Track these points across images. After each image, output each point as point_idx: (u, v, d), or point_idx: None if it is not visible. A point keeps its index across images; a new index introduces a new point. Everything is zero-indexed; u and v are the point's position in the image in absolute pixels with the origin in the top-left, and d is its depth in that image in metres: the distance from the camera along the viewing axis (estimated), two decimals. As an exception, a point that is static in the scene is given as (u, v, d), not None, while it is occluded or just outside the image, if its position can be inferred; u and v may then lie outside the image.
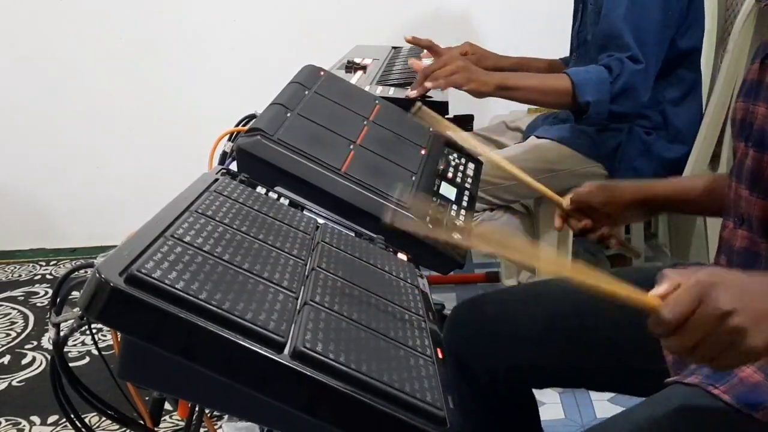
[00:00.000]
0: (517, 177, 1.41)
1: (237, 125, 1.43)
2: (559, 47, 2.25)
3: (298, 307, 0.80)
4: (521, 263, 0.82)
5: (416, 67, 1.77)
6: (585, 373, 1.23)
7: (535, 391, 1.34)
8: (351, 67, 2.01)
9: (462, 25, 2.99)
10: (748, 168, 1.05)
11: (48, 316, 0.94)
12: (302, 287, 0.84)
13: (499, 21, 2.98)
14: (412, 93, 1.70)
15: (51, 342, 0.91)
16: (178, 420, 1.94)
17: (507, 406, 1.29)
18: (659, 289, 0.79)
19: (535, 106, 2.24)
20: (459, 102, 1.77)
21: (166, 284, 0.70)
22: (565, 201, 1.31)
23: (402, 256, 1.08)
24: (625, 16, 1.82)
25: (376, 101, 1.53)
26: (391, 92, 1.72)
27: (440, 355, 0.85)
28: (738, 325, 0.74)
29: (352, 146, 1.29)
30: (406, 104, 1.62)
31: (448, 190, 1.35)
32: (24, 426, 2.05)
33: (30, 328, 2.57)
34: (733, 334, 0.74)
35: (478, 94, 1.74)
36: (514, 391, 1.29)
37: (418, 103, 1.45)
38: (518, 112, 2.43)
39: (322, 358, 0.71)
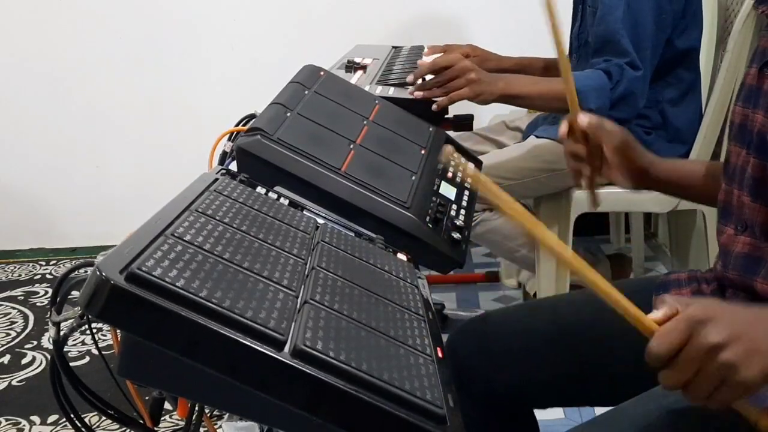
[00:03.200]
0: None
1: (237, 125, 1.43)
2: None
3: (298, 306, 0.80)
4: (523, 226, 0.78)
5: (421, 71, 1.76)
6: (585, 388, 1.22)
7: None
8: (351, 66, 2.01)
9: (462, 24, 2.99)
10: (750, 176, 1.04)
11: (48, 315, 0.94)
12: (302, 286, 0.84)
13: (499, 20, 2.98)
14: (417, 94, 1.69)
15: (51, 341, 0.91)
16: (178, 420, 1.94)
17: (508, 426, 1.29)
18: (657, 314, 0.78)
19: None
20: (459, 101, 1.77)
21: (166, 282, 0.70)
22: (583, 121, 1.21)
23: (402, 256, 1.08)
24: (622, 20, 1.82)
25: (376, 101, 1.53)
26: (391, 92, 1.72)
27: (440, 354, 0.85)
28: (728, 359, 0.72)
29: (351, 146, 1.29)
30: (406, 104, 1.62)
31: (447, 190, 1.35)
32: (24, 426, 2.05)
33: (30, 327, 2.57)
34: (723, 369, 0.72)
35: (485, 103, 1.75)
36: (514, 410, 1.28)
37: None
38: (518, 111, 2.43)
39: (322, 356, 0.71)
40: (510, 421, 1.29)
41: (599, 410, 2.00)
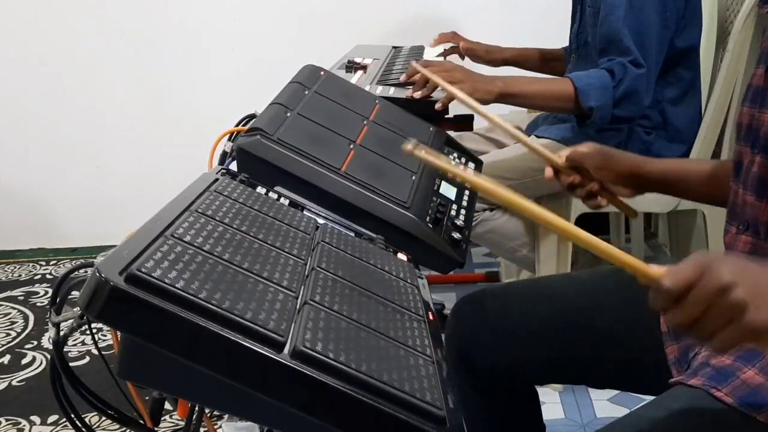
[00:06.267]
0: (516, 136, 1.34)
1: (237, 125, 1.43)
2: (558, 47, 2.25)
3: (297, 307, 0.80)
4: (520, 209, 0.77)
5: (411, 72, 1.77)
6: (585, 368, 1.23)
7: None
8: (351, 66, 2.01)
9: (461, 24, 2.99)
10: (755, 175, 1.05)
11: (48, 315, 0.94)
12: (302, 287, 0.84)
13: (498, 19, 2.98)
14: (416, 94, 1.69)
15: (51, 342, 0.91)
16: (178, 420, 1.94)
17: (508, 400, 1.30)
18: (662, 267, 0.78)
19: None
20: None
21: (165, 283, 0.70)
22: (560, 158, 1.30)
23: (402, 256, 1.08)
24: (624, 19, 1.82)
25: (376, 101, 1.53)
26: (392, 92, 1.72)
27: (440, 355, 0.85)
28: (739, 298, 0.72)
29: (352, 146, 1.29)
30: (406, 104, 1.62)
31: (448, 190, 1.35)
32: (24, 426, 2.05)
33: (30, 327, 2.57)
34: (733, 308, 0.72)
35: (482, 102, 1.74)
36: (515, 385, 1.29)
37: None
38: (518, 111, 2.43)
39: (322, 357, 0.71)
40: (511, 395, 1.29)
41: (599, 409, 2.02)
